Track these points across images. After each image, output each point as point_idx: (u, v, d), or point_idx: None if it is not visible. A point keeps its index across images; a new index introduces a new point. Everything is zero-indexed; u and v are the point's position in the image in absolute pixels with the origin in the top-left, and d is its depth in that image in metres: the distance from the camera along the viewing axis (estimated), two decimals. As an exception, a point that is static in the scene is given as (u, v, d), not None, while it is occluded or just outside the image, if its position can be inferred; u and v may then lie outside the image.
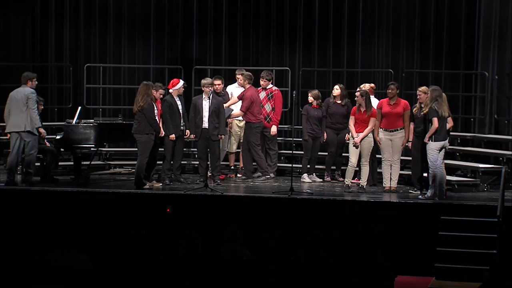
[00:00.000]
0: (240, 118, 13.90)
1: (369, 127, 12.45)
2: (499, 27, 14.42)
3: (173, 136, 12.88)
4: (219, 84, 13.58)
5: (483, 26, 14.57)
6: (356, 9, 15.69)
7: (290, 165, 13.61)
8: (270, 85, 13.94)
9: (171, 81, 13.28)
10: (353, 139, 12.48)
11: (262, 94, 13.92)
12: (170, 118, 12.90)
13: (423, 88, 12.30)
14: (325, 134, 13.61)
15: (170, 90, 13.15)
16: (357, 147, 12.46)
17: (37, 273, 8.03)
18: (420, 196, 11.95)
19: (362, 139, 12.46)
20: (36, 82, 12.99)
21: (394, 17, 15.57)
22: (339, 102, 13.58)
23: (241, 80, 13.91)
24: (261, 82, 13.88)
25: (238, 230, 9.25)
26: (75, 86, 16.22)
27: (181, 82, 13.20)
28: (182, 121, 13.11)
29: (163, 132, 12.83)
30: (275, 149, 13.98)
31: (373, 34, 15.68)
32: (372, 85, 13.63)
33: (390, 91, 12.62)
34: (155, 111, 12.56)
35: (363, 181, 12.59)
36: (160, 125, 12.75)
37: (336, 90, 13.62)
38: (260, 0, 16.12)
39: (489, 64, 14.49)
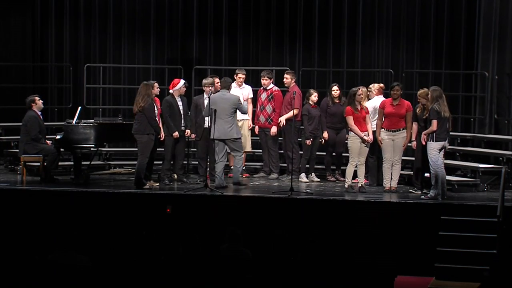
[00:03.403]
0: (239, 117, 13.92)
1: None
2: (499, 27, 14.41)
3: (176, 133, 12.89)
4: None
5: (483, 26, 14.56)
6: (356, 9, 15.69)
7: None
8: (271, 85, 13.96)
9: (172, 82, 13.29)
10: (364, 138, 12.47)
11: (263, 96, 13.93)
12: (170, 118, 12.91)
13: (422, 92, 12.26)
14: (325, 133, 13.63)
15: (171, 91, 13.17)
16: (368, 146, 12.48)
17: (37, 273, 8.03)
18: (422, 196, 11.94)
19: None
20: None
21: (394, 17, 15.56)
22: (337, 102, 13.60)
23: (240, 79, 13.93)
24: (263, 82, 13.88)
25: (239, 230, 9.25)
26: (75, 86, 16.22)
27: (182, 82, 13.20)
28: (183, 121, 13.12)
29: (163, 135, 12.82)
30: (276, 149, 14.01)
31: (373, 34, 15.68)
32: (381, 85, 13.61)
33: (395, 92, 12.59)
34: (156, 111, 12.56)
35: (361, 180, 12.60)
36: (160, 125, 12.76)
37: (337, 91, 13.64)
38: (260, 0, 16.13)
39: (489, 64, 14.49)
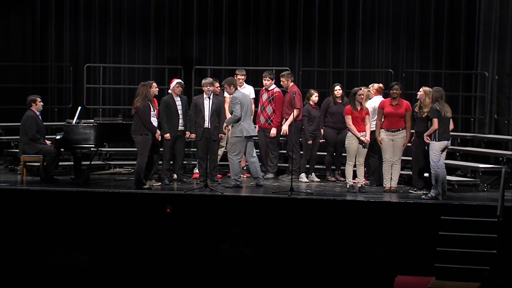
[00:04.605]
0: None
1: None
2: (499, 27, 14.41)
3: (167, 135, 12.85)
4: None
5: (483, 26, 14.56)
6: (356, 9, 15.69)
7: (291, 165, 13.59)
8: (273, 86, 13.93)
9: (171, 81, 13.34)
10: (361, 138, 12.45)
11: (264, 96, 13.91)
12: (167, 118, 12.91)
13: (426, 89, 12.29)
14: (322, 131, 13.63)
15: (169, 90, 13.21)
16: (365, 146, 12.46)
17: (37, 273, 8.03)
18: (423, 196, 11.94)
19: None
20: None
21: (394, 17, 15.56)
22: (340, 102, 13.61)
23: (240, 80, 13.89)
24: (265, 82, 13.87)
25: (239, 230, 9.25)
26: (75, 86, 16.22)
27: (175, 81, 13.16)
28: (181, 121, 13.11)
29: (159, 134, 12.75)
30: (275, 150, 14.00)
31: (373, 34, 15.68)
32: (380, 85, 13.62)
33: (394, 91, 12.58)
34: (153, 111, 12.53)
35: (361, 180, 12.60)
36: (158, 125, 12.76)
37: (340, 90, 13.64)
38: (260, 0, 16.13)
39: (489, 64, 14.49)
